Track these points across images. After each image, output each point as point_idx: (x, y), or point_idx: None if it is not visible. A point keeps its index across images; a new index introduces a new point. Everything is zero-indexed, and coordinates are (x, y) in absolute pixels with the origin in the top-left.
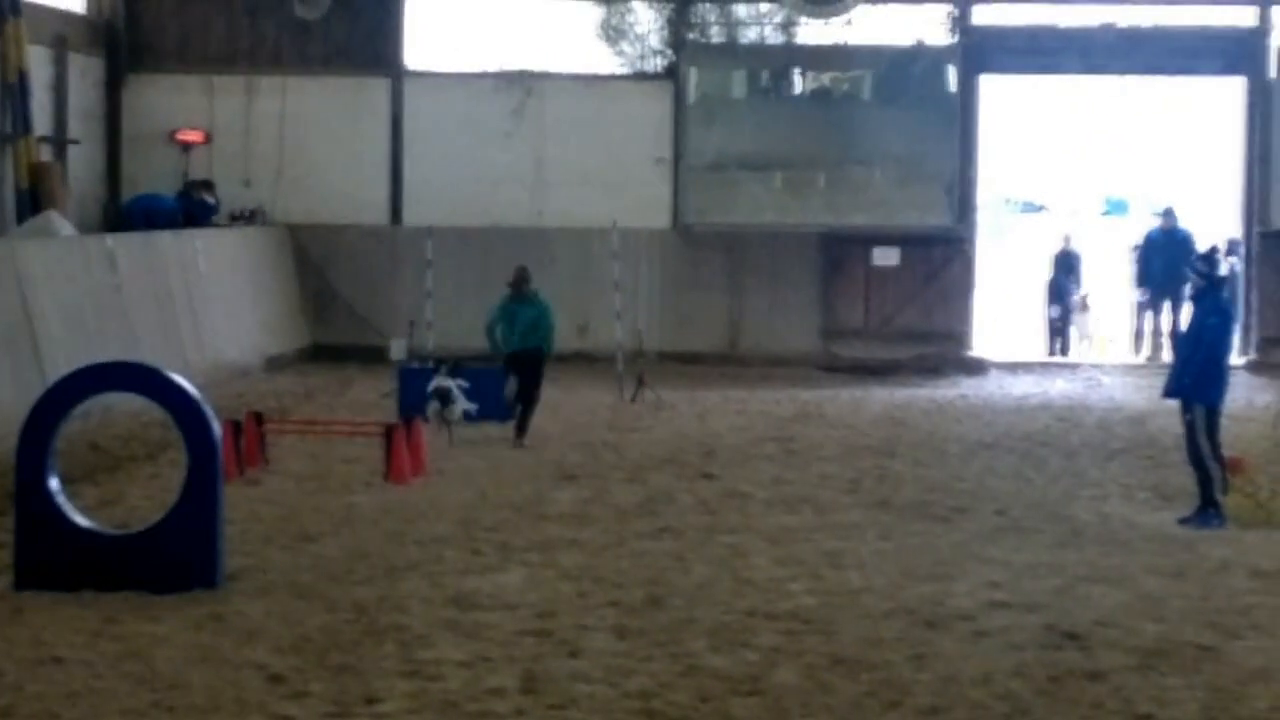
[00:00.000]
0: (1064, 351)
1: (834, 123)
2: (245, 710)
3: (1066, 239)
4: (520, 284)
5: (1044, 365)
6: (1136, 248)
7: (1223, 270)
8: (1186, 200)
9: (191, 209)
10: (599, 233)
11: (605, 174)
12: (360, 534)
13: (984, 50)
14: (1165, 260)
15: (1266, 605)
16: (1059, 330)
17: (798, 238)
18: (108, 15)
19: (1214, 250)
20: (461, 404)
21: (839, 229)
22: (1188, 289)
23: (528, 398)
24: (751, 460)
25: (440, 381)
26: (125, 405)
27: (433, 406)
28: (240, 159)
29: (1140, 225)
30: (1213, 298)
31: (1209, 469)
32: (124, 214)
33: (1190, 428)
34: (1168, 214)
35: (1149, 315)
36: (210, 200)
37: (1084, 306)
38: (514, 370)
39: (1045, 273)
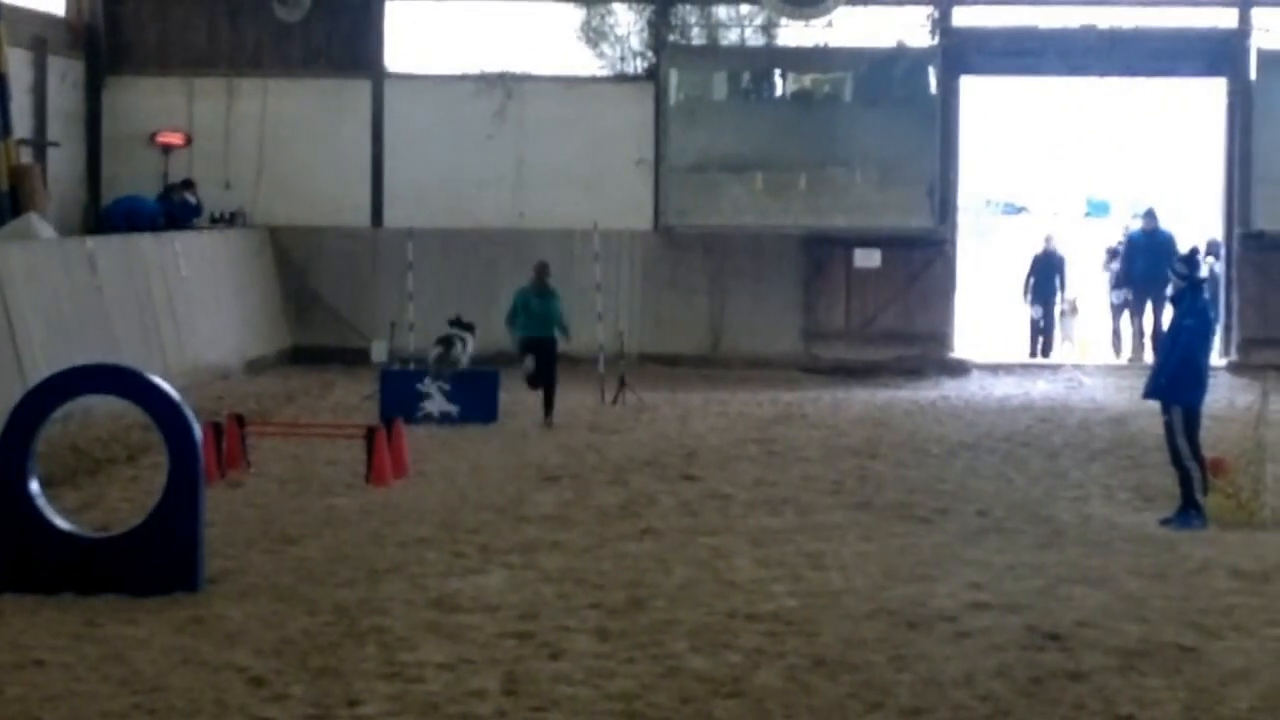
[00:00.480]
0: (1046, 353)
1: (815, 124)
2: (226, 713)
3: (1048, 240)
4: (541, 276)
5: (1025, 366)
6: (1110, 250)
7: (1203, 272)
8: (1168, 201)
9: (173, 210)
10: (580, 234)
11: (586, 176)
12: (341, 536)
13: (965, 52)
14: (1147, 261)
15: (1247, 605)
16: (1041, 331)
17: (779, 239)
18: (87, 17)
19: (1194, 252)
20: (465, 353)
21: (820, 230)
22: (1169, 290)
23: (546, 382)
24: (733, 462)
25: (449, 331)
26: (106, 408)
27: (434, 352)
28: (220, 161)
29: (1118, 226)
30: (1192, 299)
31: (1188, 469)
32: (105, 216)
33: (1169, 429)
34: (1149, 215)
35: (1129, 316)
36: (192, 200)
37: (1074, 310)
38: (529, 354)
39: (1027, 274)
